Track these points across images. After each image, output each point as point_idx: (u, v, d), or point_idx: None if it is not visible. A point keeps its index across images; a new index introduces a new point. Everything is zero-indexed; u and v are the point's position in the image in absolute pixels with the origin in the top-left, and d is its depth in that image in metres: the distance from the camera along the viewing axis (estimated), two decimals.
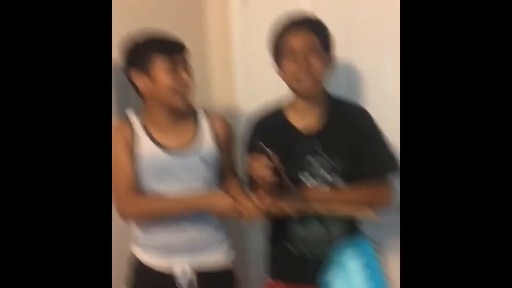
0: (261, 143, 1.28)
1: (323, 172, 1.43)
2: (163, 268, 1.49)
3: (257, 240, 2.03)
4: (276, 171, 1.26)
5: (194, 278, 1.50)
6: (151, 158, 1.42)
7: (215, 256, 1.53)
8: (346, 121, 1.45)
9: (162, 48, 1.37)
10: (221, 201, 1.38)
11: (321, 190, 1.43)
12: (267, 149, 1.24)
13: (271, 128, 1.49)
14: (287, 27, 1.40)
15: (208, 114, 1.53)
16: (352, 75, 1.72)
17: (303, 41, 1.37)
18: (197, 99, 1.50)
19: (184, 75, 1.39)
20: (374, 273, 1.17)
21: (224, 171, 1.56)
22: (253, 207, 1.34)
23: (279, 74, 1.46)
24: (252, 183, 1.46)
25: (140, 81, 1.39)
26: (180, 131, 1.47)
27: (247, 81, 1.99)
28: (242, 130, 1.84)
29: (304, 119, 1.45)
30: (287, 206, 1.35)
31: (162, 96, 1.39)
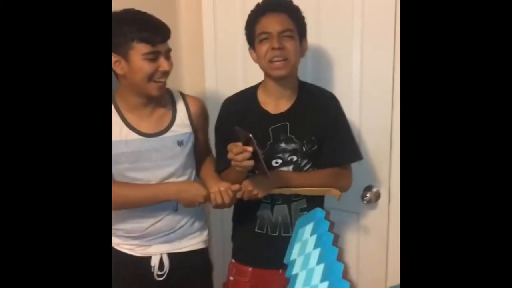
0: (241, 128, 1.28)
1: (289, 153, 1.47)
2: (140, 256, 1.49)
3: (220, 222, 2.07)
4: (255, 156, 1.26)
5: (169, 264, 1.50)
6: (126, 143, 1.38)
7: (192, 241, 1.55)
8: (314, 105, 1.49)
9: (144, 36, 1.29)
10: (193, 191, 1.39)
11: (289, 173, 1.47)
12: (247, 132, 1.22)
13: (241, 109, 1.50)
14: (263, 10, 1.41)
15: (184, 96, 1.52)
16: (319, 59, 1.76)
17: (278, 24, 1.38)
18: (167, 83, 1.48)
19: (163, 63, 1.33)
20: (327, 243, 1.21)
21: (199, 152, 1.57)
22: (225, 195, 1.36)
23: (253, 57, 1.47)
24: (225, 164, 1.48)
25: (118, 65, 1.32)
26: (156, 115, 1.43)
27: (218, 65, 2.00)
28: (212, 114, 1.86)
29: (275, 102, 1.48)
30: (257, 190, 1.38)
31: (139, 84, 1.34)
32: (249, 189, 1.37)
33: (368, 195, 1.75)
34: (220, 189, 1.38)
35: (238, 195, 1.39)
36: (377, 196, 1.75)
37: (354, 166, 1.59)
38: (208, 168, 1.56)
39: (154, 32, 1.31)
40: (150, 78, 1.33)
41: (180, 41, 1.99)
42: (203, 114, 1.55)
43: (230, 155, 1.28)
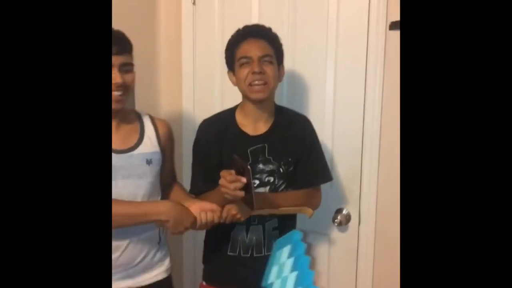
0: (239, 157, 1.29)
1: (266, 174, 1.50)
2: None
3: (192, 244, 2.07)
4: (247, 187, 1.26)
5: None
6: None
7: (155, 272, 1.48)
8: (291, 127, 1.53)
9: None
10: (184, 212, 1.34)
11: (268, 194, 1.50)
12: (245, 163, 1.22)
13: (219, 130, 1.52)
14: (244, 36, 1.46)
15: (152, 118, 1.50)
16: (294, 84, 1.82)
17: (258, 49, 1.43)
18: (144, 103, 1.47)
19: (115, 75, 1.28)
20: (304, 267, 1.19)
21: (165, 177, 1.53)
22: (215, 215, 1.35)
23: (232, 80, 1.51)
24: (204, 187, 1.50)
25: None
26: (122, 131, 1.39)
27: (195, 86, 2.03)
28: (188, 135, 1.86)
29: (253, 124, 1.51)
30: (240, 214, 1.39)
31: None
32: (233, 213, 1.39)
33: (339, 217, 1.79)
34: (212, 208, 1.36)
35: (222, 219, 1.39)
36: (348, 218, 1.79)
37: (327, 188, 1.65)
38: (179, 193, 1.54)
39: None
40: None
41: (158, 62, 2.00)
42: (171, 137, 1.53)
43: (222, 182, 1.30)
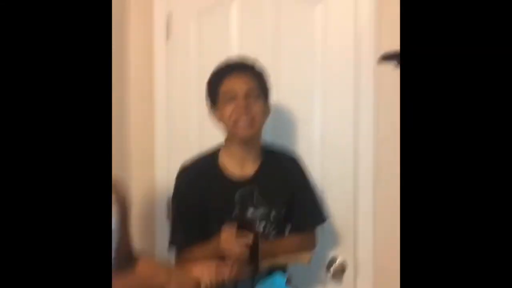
0: (250, 220, 1.32)
1: (258, 220, 1.41)
2: None
3: None
4: (252, 250, 1.25)
5: None
6: None
7: None
8: (280, 167, 1.47)
9: None
10: (186, 276, 1.25)
11: (266, 245, 1.37)
12: (254, 225, 1.26)
13: (201, 176, 1.43)
14: (228, 71, 1.40)
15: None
16: (280, 118, 1.73)
17: (244, 85, 1.37)
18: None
19: None
20: None
21: (126, 245, 1.35)
22: (215, 277, 1.25)
23: (215, 118, 1.43)
24: (191, 241, 1.40)
25: None
26: None
27: (169, 129, 1.88)
28: (162, 183, 1.73)
29: (240, 166, 1.43)
30: (242, 273, 1.29)
31: None
32: (235, 272, 1.27)
33: (332, 268, 1.67)
34: (214, 268, 1.26)
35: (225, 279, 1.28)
36: (343, 268, 1.67)
37: (318, 234, 1.54)
38: (151, 263, 1.36)
39: None
40: None
41: (128, 103, 1.89)
42: (126, 200, 1.35)
43: (227, 240, 1.27)
